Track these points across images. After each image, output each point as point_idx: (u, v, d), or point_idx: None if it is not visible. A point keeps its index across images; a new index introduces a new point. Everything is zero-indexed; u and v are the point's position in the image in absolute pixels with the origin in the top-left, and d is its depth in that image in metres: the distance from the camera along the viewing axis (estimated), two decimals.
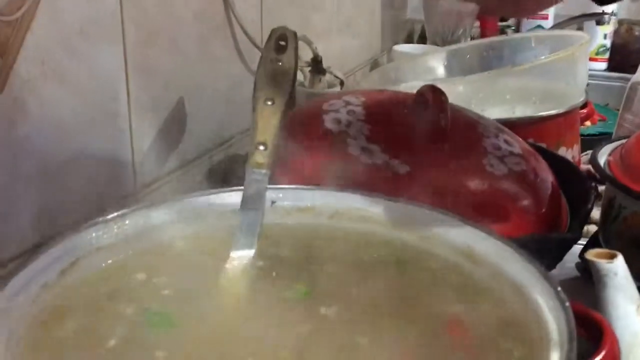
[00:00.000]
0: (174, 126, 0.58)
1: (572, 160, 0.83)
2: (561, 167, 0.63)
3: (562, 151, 0.81)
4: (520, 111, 0.81)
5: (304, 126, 0.57)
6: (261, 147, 0.48)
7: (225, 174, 0.65)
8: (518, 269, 0.39)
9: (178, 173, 0.59)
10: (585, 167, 0.91)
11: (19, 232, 0.43)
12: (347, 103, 0.61)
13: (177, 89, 0.58)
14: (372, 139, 0.56)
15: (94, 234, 0.40)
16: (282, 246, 0.44)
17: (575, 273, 0.70)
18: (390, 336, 0.35)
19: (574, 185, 0.61)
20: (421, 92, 0.58)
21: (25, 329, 0.33)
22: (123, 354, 0.33)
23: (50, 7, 0.42)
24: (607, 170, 0.61)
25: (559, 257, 0.54)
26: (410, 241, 0.44)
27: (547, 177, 0.59)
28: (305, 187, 0.48)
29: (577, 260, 0.71)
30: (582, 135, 0.88)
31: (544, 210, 0.56)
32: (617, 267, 0.44)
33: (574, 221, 0.57)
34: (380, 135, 0.56)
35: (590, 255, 0.44)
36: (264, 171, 0.48)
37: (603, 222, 0.63)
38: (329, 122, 0.58)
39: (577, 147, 0.84)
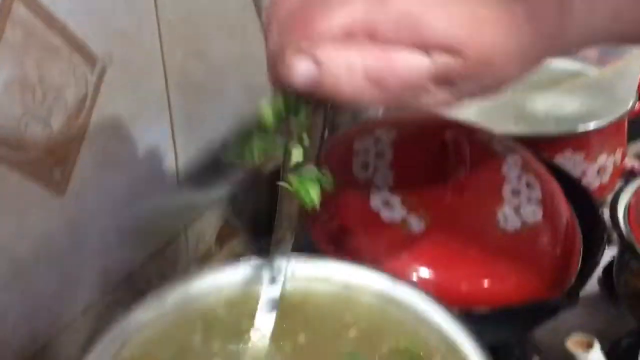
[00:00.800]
0: (217, 171, 0.65)
1: (614, 165, 0.84)
2: (584, 205, 0.66)
3: (602, 158, 0.82)
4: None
5: (334, 172, 0.62)
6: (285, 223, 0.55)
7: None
8: None
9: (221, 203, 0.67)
10: (629, 164, 0.91)
11: (84, 294, 0.53)
12: (377, 141, 0.65)
13: (222, 135, 0.64)
14: (394, 189, 0.61)
15: (138, 313, 0.49)
16: (298, 319, 0.51)
17: (596, 288, 0.75)
18: None
19: (592, 226, 0.64)
20: (444, 141, 0.62)
21: None
22: None
23: (103, 110, 0.49)
24: (623, 218, 0.63)
25: (555, 315, 0.58)
26: (422, 332, 0.49)
27: (563, 222, 0.63)
28: (322, 257, 0.54)
29: (600, 275, 0.75)
30: (632, 121, 0.86)
31: (555, 260, 0.60)
32: (594, 357, 0.49)
33: (582, 271, 0.61)
34: (403, 184, 0.61)
35: (570, 344, 0.50)
36: (288, 242, 0.55)
37: (618, 261, 0.66)
38: (357, 168, 0.63)
39: (621, 150, 0.84)
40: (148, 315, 0.50)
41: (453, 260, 0.58)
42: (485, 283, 0.57)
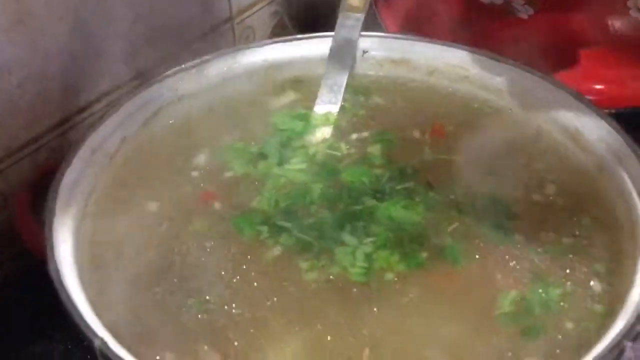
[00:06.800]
0: None
1: None
2: None
3: None
4: None
5: None
6: None
7: None
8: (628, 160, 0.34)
9: None
10: None
11: (112, 68, 0.43)
12: None
13: None
14: None
15: (176, 82, 0.39)
16: (368, 104, 0.41)
17: None
18: None
19: None
20: None
21: (104, 184, 0.34)
22: None
23: None
24: None
25: None
26: (515, 112, 0.39)
27: None
28: (400, 36, 0.43)
29: None
30: None
31: None
32: None
33: None
34: None
35: None
36: (358, 15, 0.44)
37: None
38: None
39: None
40: (187, 86, 0.39)
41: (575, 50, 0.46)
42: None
